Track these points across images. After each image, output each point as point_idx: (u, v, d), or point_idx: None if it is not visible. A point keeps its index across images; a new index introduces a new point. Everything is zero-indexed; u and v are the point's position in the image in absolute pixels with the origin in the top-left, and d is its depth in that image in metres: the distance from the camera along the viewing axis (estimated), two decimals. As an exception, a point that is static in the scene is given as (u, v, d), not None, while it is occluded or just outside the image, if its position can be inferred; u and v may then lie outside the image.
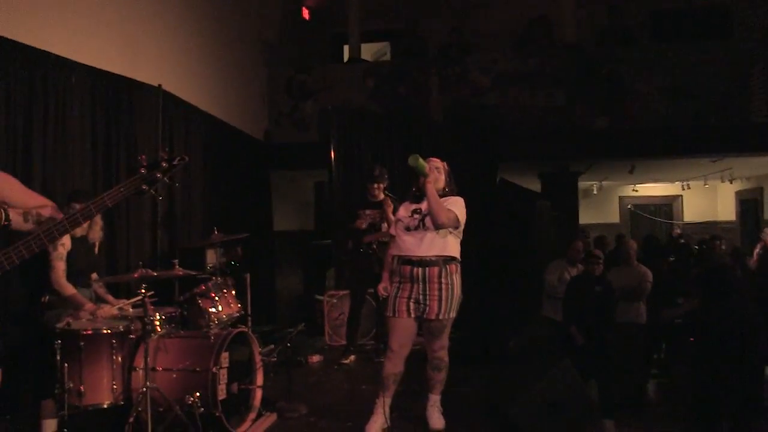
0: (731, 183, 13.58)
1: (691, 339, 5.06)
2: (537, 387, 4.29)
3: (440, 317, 4.32)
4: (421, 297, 4.34)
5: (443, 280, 4.33)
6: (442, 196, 4.48)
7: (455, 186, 4.71)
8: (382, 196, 6.52)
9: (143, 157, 2.92)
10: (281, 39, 10.93)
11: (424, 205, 4.46)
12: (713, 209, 15.68)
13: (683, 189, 14.85)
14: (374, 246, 6.59)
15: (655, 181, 14.94)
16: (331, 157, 8.27)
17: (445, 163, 4.71)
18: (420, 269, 4.32)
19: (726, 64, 9.60)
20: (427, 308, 4.32)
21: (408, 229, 4.44)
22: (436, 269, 4.31)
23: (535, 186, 11.39)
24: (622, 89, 9.74)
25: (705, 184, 14.06)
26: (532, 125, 9.82)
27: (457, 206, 4.47)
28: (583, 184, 12.66)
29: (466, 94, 10.10)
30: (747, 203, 14.41)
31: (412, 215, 4.48)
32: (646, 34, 10.96)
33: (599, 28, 10.81)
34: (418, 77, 10.30)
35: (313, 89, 10.47)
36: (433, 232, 4.35)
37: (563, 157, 10.15)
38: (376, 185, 6.61)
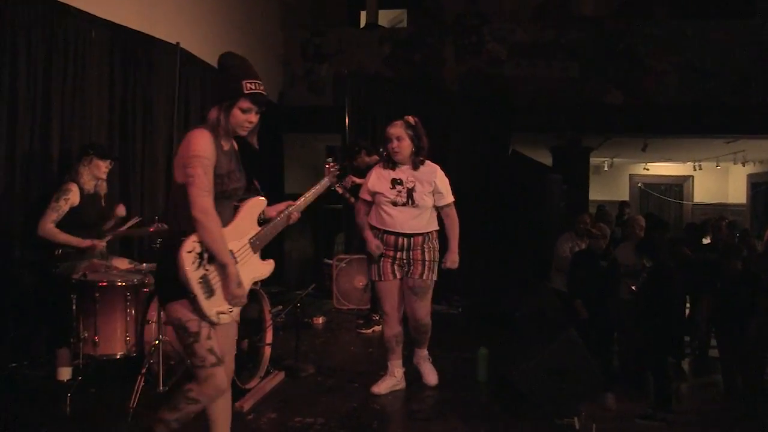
0: (743, 165, 13.55)
1: None
2: (542, 355, 4.35)
3: (424, 278, 4.43)
4: (404, 261, 4.44)
5: (426, 246, 4.46)
6: (414, 166, 4.42)
7: (426, 142, 4.46)
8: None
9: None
10: (299, 1, 10.87)
11: (403, 174, 4.42)
12: (724, 191, 15.66)
13: (695, 169, 14.82)
14: None
15: (667, 160, 14.91)
16: (344, 121, 8.27)
17: (412, 119, 4.46)
18: (405, 239, 4.41)
19: (746, 45, 9.53)
20: (411, 269, 4.43)
21: (395, 204, 4.40)
22: (420, 238, 4.44)
23: (547, 160, 11.39)
24: (638, 65, 9.69)
25: (717, 166, 14.03)
26: (546, 98, 9.80)
27: (444, 186, 4.49)
28: (594, 160, 12.66)
29: (481, 64, 10.07)
30: (758, 186, 14.38)
31: (394, 186, 4.40)
32: (665, 10, 10.85)
33: (617, 1, 10.70)
34: (434, 45, 10.26)
35: (329, 53, 10.44)
36: (421, 208, 4.41)
37: (576, 130, 10.13)
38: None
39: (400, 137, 4.38)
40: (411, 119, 4.45)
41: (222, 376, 2.80)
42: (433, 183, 4.43)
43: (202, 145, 2.73)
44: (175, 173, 2.77)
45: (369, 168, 6.53)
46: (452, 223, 4.55)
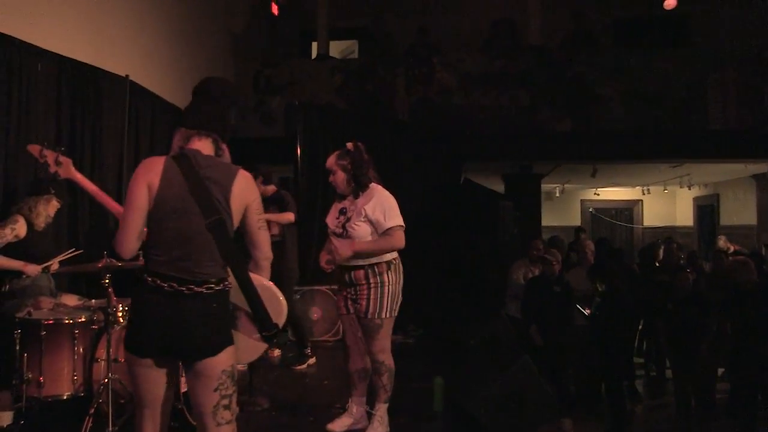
0: (689, 189, 13.92)
1: None
2: (497, 382, 4.35)
3: (369, 316, 4.21)
4: (354, 296, 4.29)
5: (371, 281, 4.20)
6: (354, 195, 4.24)
7: (370, 172, 4.28)
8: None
9: None
10: (249, 33, 10.89)
11: (347, 204, 4.29)
12: (672, 214, 16.03)
13: (643, 194, 15.14)
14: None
15: (616, 185, 15.22)
16: (296, 152, 8.25)
17: (351, 145, 4.28)
18: (347, 273, 4.25)
19: (685, 72, 9.83)
20: (358, 306, 4.25)
21: (335, 235, 4.26)
22: (361, 272, 4.20)
23: (499, 187, 11.52)
24: (585, 92, 9.90)
25: (664, 190, 14.37)
26: (496, 126, 9.94)
27: (380, 211, 4.16)
28: (546, 186, 12.84)
29: (432, 94, 10.18)
30: (704, 209, 14.77)
31: (338, 216, 4.29)
32: (609, 40, 11.16)
33: (564, 32, 10.97)
34: (385, 76, 10.35)
35: (280, 84, 10.45)
36: (356, 239, 4.15)
37: (527, 157, 10.28)
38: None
39: (332, 170, 4.29)
40: (350, 145, 4.29)
41: None
42: (363, 210, 4.17)
43: None
44: (234, 219, 2.72)
45: (264, 198, 6.38)
46: (385, 238, 4.15)
